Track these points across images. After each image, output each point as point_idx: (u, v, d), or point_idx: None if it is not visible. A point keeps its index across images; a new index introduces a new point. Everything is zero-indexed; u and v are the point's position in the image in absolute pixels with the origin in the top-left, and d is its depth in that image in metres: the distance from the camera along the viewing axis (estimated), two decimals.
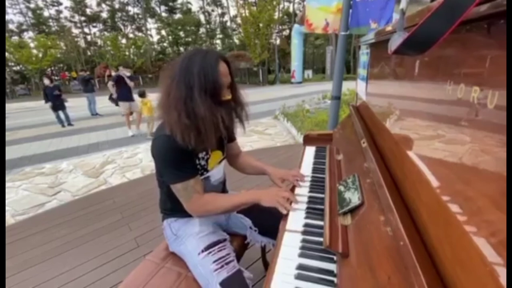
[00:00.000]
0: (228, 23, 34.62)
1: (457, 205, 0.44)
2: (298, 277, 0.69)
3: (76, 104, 8.14)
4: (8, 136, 6.60)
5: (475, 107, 0.40)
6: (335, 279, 0.68)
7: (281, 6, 24.64)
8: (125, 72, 5.43)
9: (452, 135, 0.48)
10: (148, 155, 4.36)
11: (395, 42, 0.48)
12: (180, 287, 0.96)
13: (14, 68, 26.34)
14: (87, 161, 4.37)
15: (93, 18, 31.97)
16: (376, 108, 1.16)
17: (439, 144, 0.53)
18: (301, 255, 0.77)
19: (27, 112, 11.65)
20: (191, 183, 0.96)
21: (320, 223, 0.87)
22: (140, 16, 33.05)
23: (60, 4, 30.76)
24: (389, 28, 0.91)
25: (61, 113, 7.33)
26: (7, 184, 3.55)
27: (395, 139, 0.80)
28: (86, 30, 33.09)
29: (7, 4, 26.21)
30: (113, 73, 8.69)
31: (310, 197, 1.04)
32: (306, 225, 0.88)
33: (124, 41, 27.32)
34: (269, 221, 1.06)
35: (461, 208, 0.43)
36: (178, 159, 0.93)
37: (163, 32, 33.52)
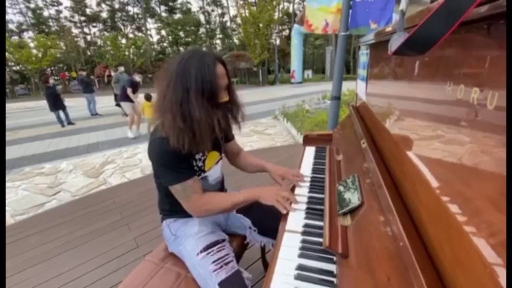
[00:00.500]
0: (228, 23, 34.64)
1: (457, 206, 0.44)
2: (298, 277, 0.69)
3: (76, 104, 8.14)
4: (8, 136, 6.59)
5: (475, 107, 0.40)
6: (334, 280, 0.68)
7: (281, 6, 24.64)
8: (137, 78, 5.44)
9: (452, 135, 0.48)
10: (147, 155, 4.35)
11: (396, 42, 0.48)
12: None
13: (14, 68, 26.32)
14: (87, 161, 4.36)
15: (93, 18, 31.98)
16: (376, 109, 1.16)
17: (439, 144, 0.53)
18: (301, 256, 0.76)
19: (27, 112, 11.64)
20: (189, 183, 0.96)
21: (320, 223, 0.87)
22: (140, 16, 33.05)
23: (60, 4, 30.77)
24: (389, 29, 0.91)
25: (61, 113, 7.35)
26: (7, 184, 3.54)
27: (395, 140, 0.80)
28: (86, 30, 33.11)
29: (7, 4, 26.20)
30: (113, 73, 8.71)
31: (309, 197, 1.04)
32: (306, 225, 0.88)
33: (124, 41, 27.30)
34: (269, 221, 1.06)
35: (461, 209, 0.43)
36: (174, 161, 0.93)
37: (163, 32, 33.55)
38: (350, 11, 2.85)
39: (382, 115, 1.01)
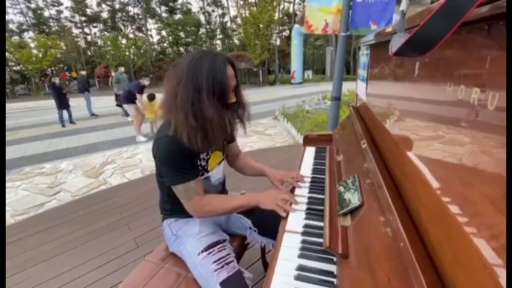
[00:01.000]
0: (228, 24, 34.67)
1: (457, 206, 0.44)
2: (298, 278, 0.69)
3: (76, 104, 8.15)
4: (8, 136, 6.59)
5: (475, 108, 0.40)
6: (335, 280, 0.68)
7: (281, 6, 24.67)
8: (146, 82, 5.43)
9: (452, 136, 0.48)
10: (147, 156, 4.36)
11: (396, 43, 0.48)
12: None
13: (14, 68, 26.34)
14: (87, 161, 4.36)
15: (94, 18, 32.03)
16: (376, 109, 1.16)
17: (439, 145, 0.53)
18: (301, 256, 0.76)
19: (27, 112, 11.65)
20: (192, 185, 0.96)
21: (320, 223, 0.87)
22: (140, 16, 33.09)
23: (61, 4, 30.82)
24: (389, 29, 0.91)
25: (65, 112, 7.40)
26: (7, 184, 3.54)
27: (395, 140, 0.80)
28: (86, 30, 33.16)
29: (7, 4, 26.24)
30: (113, 73, 8.70)
31: (310, 197, 1.04)
32: (306, 226, 0.88)
33: (124, 41, 27.30)
34: (269, 222, 1.06)
35: (461, 209, 0.43)
36: (179, 161, 0.93)
37: (163, 33, 33.58)
38: (350, 11, 2.86)
39: (382, 115, 1.01)
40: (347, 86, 5.28)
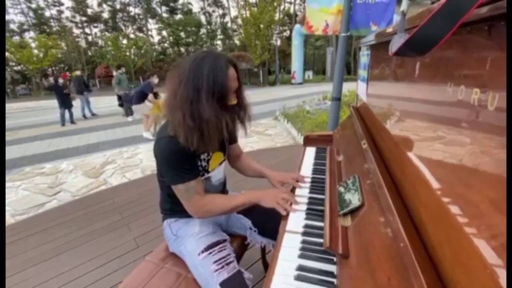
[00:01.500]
0: (229, 24, 34.69)
1: (457, 207, 0.44)
2: (298, 278, 0.69)
3: (76, 104, 8.14)
4: (9, 136, 6.60)
5: (476, 109, 0.40)
6: (335, 280, 0.67)
7: (281, 7, 24.69)
8: (155, 81, 5.43)
9: (452, 136, 0.48)
10: (148, 156, 4.36)
11: (396, 43, 0.48)
12: None
13: (15, 68, 26.38)
14: (87, 161, 4.37)
15: (94, 19, 32.09)
16: (377, 109, 1.16)
17: (439, 145, 0.53)
18: (301, 256, 0.76)
19: (27, 112, 11.66)
20: (192, 184, 0.96)
21: (320, 224, 0.87)
22: (141, 16, 33.14)
23: (62, 4, 30.88)
24: (389, 30, 0.91)
25: (66, 112, 7.42)
26: (8, 184, 3.55)
27: (395, 141, 0.80)
28: (87, 30, 33.23)
29: (8, 4, 26.28)
30: (115, 73, 8.69)
31: (310, 198, 1.04)
32: (306, 226, 0.88)
33: (125, 41, 27.34)
34: (269, 222, 1.06)
35: (461, 210, 0.43)
36: (180, 161, 0.93)
37: (164, 33, 33.62)
38: (351, 12, 2.86)
39: (383, 116, 1.01)
40: (347, 87, 5.27)
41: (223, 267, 0.93)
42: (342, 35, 2.90)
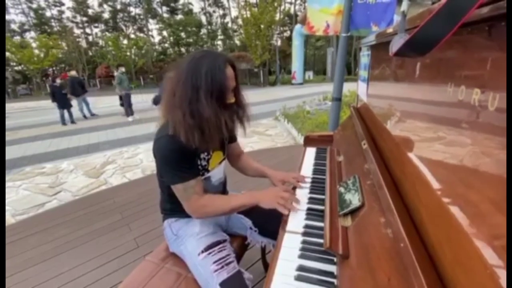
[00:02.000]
0: (229, 24, 34.70)
1: (457, 207, 0.44)
2: (298, 278, 0.69)
3: (75, 104, 8.15)
4: (9, 136, 6.61)
5: (476, 109, 0.40)
6: (335, 281, 0.67)
7: (282, 7, 24.70)
8: None
9: (452, 137, 0.48)
10: (148, 156, 4.37)
11: (397, 43, 0.48)
12: None
13: (16, 68, 26.42)
14: (88, 161, 4.37)
15: (95, 19, 32.12)
16: (377, 110, 1.16)
17: (439, 146, 0.53)
18: (301, 256, 0.76)
19: (28, 112, 11.68)
20: (191, 184, 0.96)
21: (321, 224, 0.87)
22: (141, 16, 33.16)
23: (62, 4, 30.93)
24: (390, 30, 0.91)
25: (65, 112, 7.43)
26: (8, 184, 3.55)
27: (395, 141, 0.80)
28: (87, 30, 33.27)
29: (9, 4, 26.33)
30: (116, 73, 8.69)
31: (310, 198, 1.04)
32: (306, 226, 0.88)
33: (125, 41, 27.37)
34: (270, 222, 1.05)
35: (461, 210, 0.43)
36: (179, 160, 0.93)
37: (165, 33, 33.64)
38: (351, 13, 2.86)
39: (383, 116, 1.01)
40: (348, 87, 5.27)
41: (222, 267, 0.93)
42: (343, 36, 2.90)
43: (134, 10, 33.35)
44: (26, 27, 29.61)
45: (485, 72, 0.38)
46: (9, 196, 3.18)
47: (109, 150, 4.93)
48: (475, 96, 0.40)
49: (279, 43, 25.30)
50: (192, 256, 1.00)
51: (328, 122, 4.05)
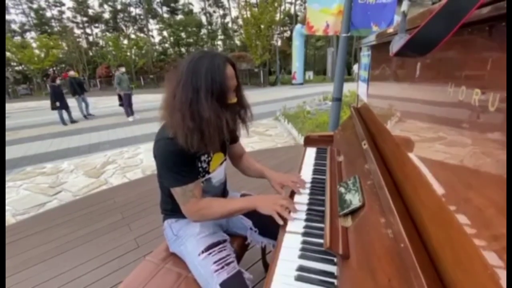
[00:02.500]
0: (230, 24, 34.72)
1: (457, 207, 0.44)
2: (298, 278, 0.69)
3: (75, 104, 8.16)
4: (10, 136, 6.62)
5: (476, 109, 0.40)
6: (335, 281, 0.67)
7: (282, 7, 24.71)
8: None
9: (453, 137, 0.48)
10: (148, 156, 4.37)
11: (397, 44, 0.48)
12: None
13: (17, 68, 26.45)
14: (88, 161, 4.37)
15: (95, 19, 32.16)
16: (377, 110, 1.16)
17: (440, 146, 0.53)
18: (301, 257, 0.76)
19: (28, 112, 11.69)
20: (190, 187, 0.95)
21: (321, 224, 0.87)
22: (142, 17, 33.19)
23: (63, 4, 30.98)
24: (390, 30, 0.91)
25: (64, 112, 7.43)
26: (8, 184, 3.55)
27: (396, 141, 0.80)
28: (88, 30, 33.32)
29: (10, 4, 26.36)
30: (116, 73, 8.69)
31: (310, 198, 1.04)
32: (306, 226, 0.88)
33: (126, 41, 27.38)
34: (270, 222, 1.05)
35: (462, 211, 0.43)
36: (179, 163, 0.92)
37: (165, 33, 33.66)
38: (351, 13, 2.86)
39: (383, 116, 1.01)
40: (348, 87, 5.27)
41: (223, 267, 0.93)
42: (343, 36, 2.90)
43: (135, 10, 33.42)
44: (26, 27, 29.67)
45: (485, 73, 0.38)
46: (10, 196, 3.19)
47: (110, 150, 4.93)
48: (475, 96, 0.40)
49: (279, 43, 25.31)
50: (192, 256, 0.99)
51: (328, 122, 4.05)
